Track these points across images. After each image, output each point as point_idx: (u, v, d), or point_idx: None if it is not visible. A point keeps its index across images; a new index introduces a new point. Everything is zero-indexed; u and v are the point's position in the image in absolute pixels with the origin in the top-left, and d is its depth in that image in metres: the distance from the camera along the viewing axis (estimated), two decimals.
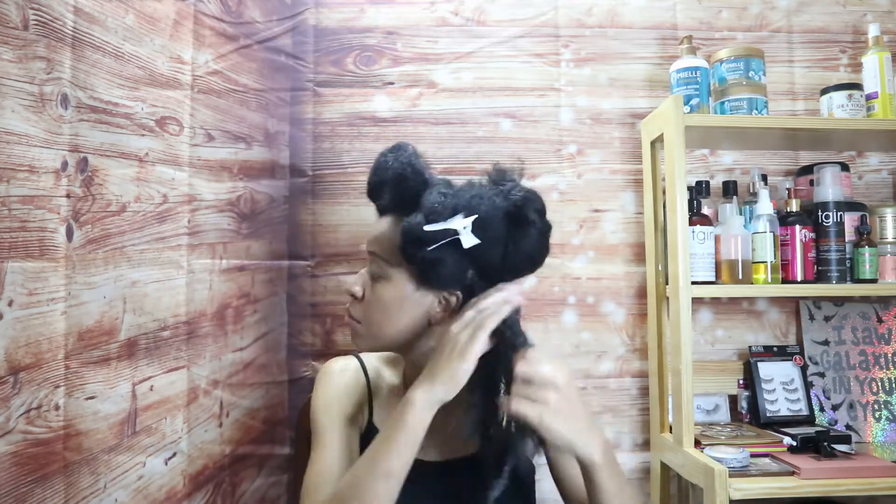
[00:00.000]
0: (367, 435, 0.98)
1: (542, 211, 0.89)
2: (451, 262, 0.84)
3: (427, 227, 0.82)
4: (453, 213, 0.83)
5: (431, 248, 0.82)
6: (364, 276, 0.93)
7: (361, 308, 0.92)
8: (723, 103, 1.39)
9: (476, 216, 0.83)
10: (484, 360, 0.85)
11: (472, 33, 1.55)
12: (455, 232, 0.82)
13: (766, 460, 1.26)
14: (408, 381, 1.00)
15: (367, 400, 1.00)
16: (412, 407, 0.82)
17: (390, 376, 1.02)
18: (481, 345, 0.82)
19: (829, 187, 1.40)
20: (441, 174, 0.96)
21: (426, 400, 0.82)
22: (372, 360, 1.03)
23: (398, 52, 1.53)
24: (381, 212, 0.94)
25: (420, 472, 0.95)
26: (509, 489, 0.93)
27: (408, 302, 0.89)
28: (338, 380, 1.00)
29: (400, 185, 0.89)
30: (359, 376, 1.01)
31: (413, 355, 0.95)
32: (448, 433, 0.96)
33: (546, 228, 0.90)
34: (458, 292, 0.89)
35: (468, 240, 0.83)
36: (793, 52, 1.59)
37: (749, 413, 1.44)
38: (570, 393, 0.82)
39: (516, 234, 0.86)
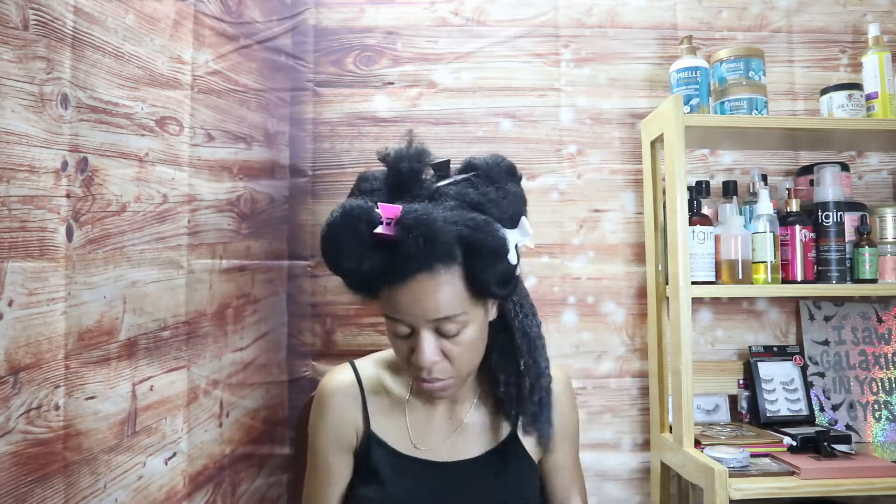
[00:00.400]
0: (366, 441, 0.97)
1: (512, 166, 0.92)
2: (514, 273, 0.87)
3: (512, 261, 0.84)
4: (505, 231, 0.84)
5: (516, 268, 0.85)
6: (432, 342, 0.84)
7: (449, 366, 0.86)
8: (723, 103, 1.39)
9: (524, 217, 0.87)
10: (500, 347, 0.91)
11: (472, 33, 1.55)
12: (516, 246, 0.85)
13: (766, 460, 1.26)
14: (411, 390, 1.00)
15: (363, 410, 0.98)
16: None
17: (393, 384, 1.00)
18: None
19: (829, 187, 1.40)
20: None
21: None
22: (368, 365, 1.01)
23: (398, 52, 1.53)
24: (401, 274, 0.82)
25: (428, 473, 0.95)
26: (514, 489, 0.94)
27: (483, 326, 0.89)
28: (334, 404, 0.98)
29: (443, 246, 0.79)
30: (355, 392, 0.99)
31: None
32: (455, 434, 0.96)
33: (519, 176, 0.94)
34: None
35: (529, 240, 0.87)
36: (793, 52, 1.59)
37: (749, 413, 1.44)
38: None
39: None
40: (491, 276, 0.81)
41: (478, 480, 0.94)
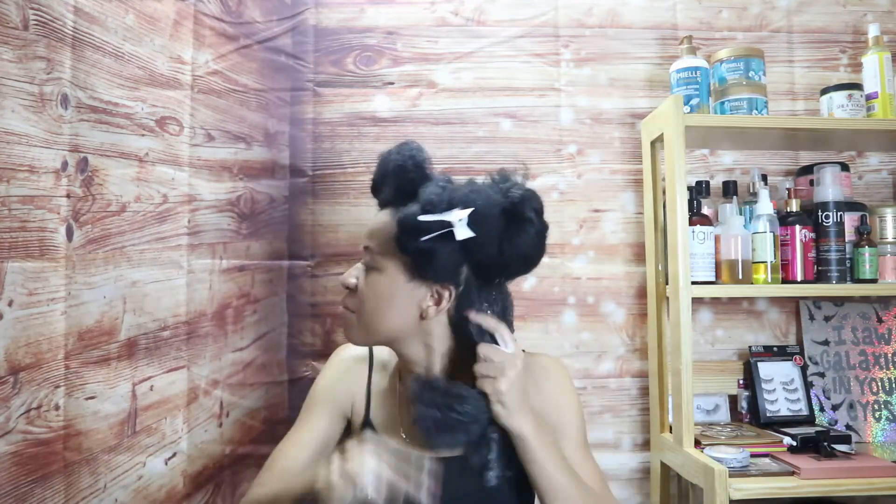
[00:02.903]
0: (363, 428, 0.98)
1: (539, 210, 0.90)
2: (445, 255, 0.85)
3: (422, 217, 0.83)
4: (450, 206, 0.84)
5: (425, 238, 0.83)
6: (359, 268, 0.94)
7: (355, 299, 0.93)
8: (723, 103, 1.39)
9: (472, 209, 0.84)
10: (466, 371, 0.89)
11: (472, 33, 1.55)
12: (449, 224, 0.83)
13: (766, 460, 1.26)
14: (399, 379, 1.00)
15: (366, 395, 1.00)
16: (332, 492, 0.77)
17: (391, 371, 1.02)
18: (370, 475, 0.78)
19: (829, 187, 1.40)
20: (441, 174, 0.96)
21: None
22: (384, 354, 1.03)
23: (398, 52, 1.53)
24: (382, 206, 0.96)
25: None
26: (505, 483, 0.93)
27: (400, 293, 0.89)
28: (342, 366, 1.02)
29: (400, 176, 0.90)
30: (362, 368, 1.02)
31: (404, 351, 0.95)
32: None
33: (543, 228, 0.90)
34: (451, 287, 0.89)
35: (462, 232, 0.84)
36: (793, 52, 1.59)
37: (749, 413, 1.44)
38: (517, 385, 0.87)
39: (512, 231, 0.87)
40: (405, 217, 0.85)
41: (462, 477, 0.94)
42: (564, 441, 0.98)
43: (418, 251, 0.85)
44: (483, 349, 0.87)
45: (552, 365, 1.01)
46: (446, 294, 0.89)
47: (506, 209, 0.86)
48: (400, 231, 0.85)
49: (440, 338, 0.93)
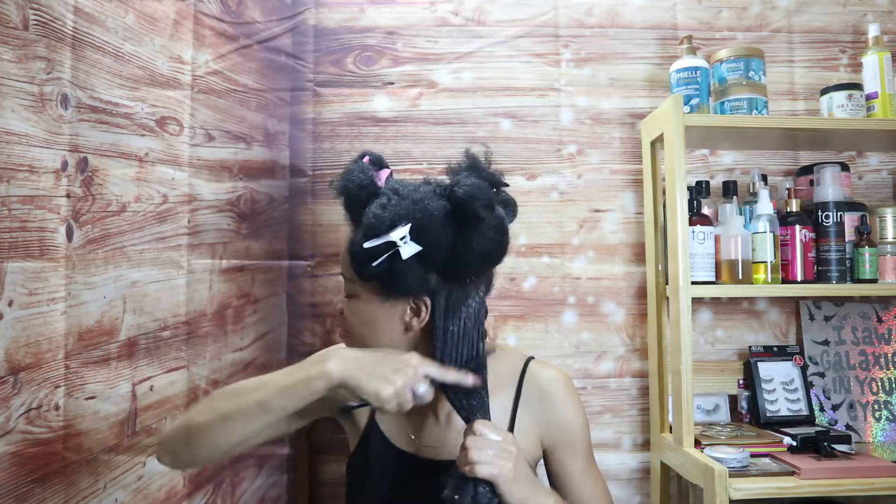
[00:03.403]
0: (368, 430, 0.99)
1: (489, 203, 0.87)
2: (404, 272, 0.85)
3: (367, 245, 0.83)
4: (392, 225, 0.83)
5: (377, 263, 0.84)
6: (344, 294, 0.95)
7: (344, 325, 0.95)
8: (723, 103, 1.39)
9: (409, 224, 0.83)
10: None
11: (472, 33, 1.55)
12: (394, 244, 0.83)
13: (766, 460, 1.26)
14: None
15: None
16: (322, 365, 0.81)
17: None
18: (412, 385, 0.81)
19: (829, 187, 1.40)
20: (441, 174, 0.96)
21: (334, 377, 0.81)
22: None
23: (398, 52, 1.53)
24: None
25: (420, 470, 0.95)
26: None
27: (379, 315, 0.90)
28: None
29: (349, 201, 0.90)
30: None
31: None
32: (449, 433, 0.96)
33: (497, 221, 0.89)
34: (425, 297, 0.89)
35: (408, 249, 0.83)
36: (793, 52, 1.59)
37: (749, 413, 1.44)
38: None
39: (465, 231, 0.86)
40: (352, 245, 0.87)
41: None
42: (573, 457, 0.98)
43: (376, 276, 0.86)
44: (480, 427, 0.85)
45: (560, 379, 1.00)
46: (422, 305, 0.89)
47: (451, 212, 0.85)
48: (353, 261, 0.87)
49: (428, 345, 0.91)
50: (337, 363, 0.81)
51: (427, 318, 0.90)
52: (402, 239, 0.83)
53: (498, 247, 0.90)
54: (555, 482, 0.99)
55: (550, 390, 0.97)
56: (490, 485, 0.83)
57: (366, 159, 0.93)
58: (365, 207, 0.87)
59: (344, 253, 0.92)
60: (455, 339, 0.89)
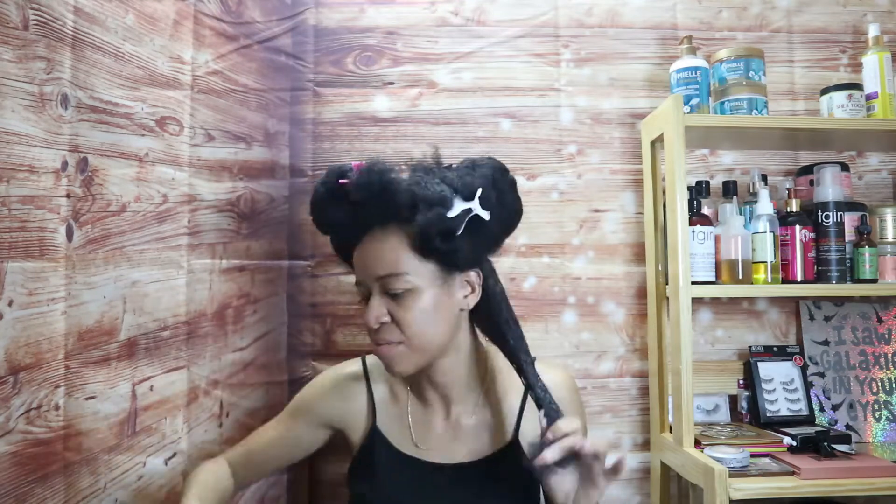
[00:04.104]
0: (369, 436, 0.99)
1: (505, 168, 0.94)
2: (472, 242, 0.86)
3: (450, 214, 0.83)
4: (458, 194, 0.84)
5: (459, 232, 0.84)
6: (379, 301, 0.90)
7: (395, 331, 0.89)
8: (723, 103, 1.39)
9: (481, 189, 0.85)
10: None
11: (472, 33, 1.55)
12: (471, 210, 0.84)
13: (766, 460, 1.26)
14: (408, 390, 1.01)
15: (370, 405, 1.01)
16: None
17: (397, 381, 1.02)
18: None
19: (829, 187, 1.40)
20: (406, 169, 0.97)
21: None
22: (379, 364, 1.01)
23: (398, 52, 1.53)
24: (361, 231, 0.92)
25: (427, 474, 0.95)
26: (512, 495, 0.93)
27: (442, 299, 0.89)
28: (332, 385, 1.04)
29: (394, 196, 0.86)
30: (358, 385, 1.03)
31: (440, 360, 0.94)
32: (455, 436, 0.96)
33: (514, 181, 0.95)
34: (477, 269, 0.92)
35: (484, 213, 0.85)
36: (793, 52, 1.59)
37: (749, 413, 1.44)
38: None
39: (500, 198, 0.89)
40: (431, 225, 0.83)
41: (475, 485, 0.94)
42: None
43: (454, 249, 0.85)
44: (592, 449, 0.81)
45: (566, 383, 1.00)
46: (474, 277, 0.91)
47: (493, 179, 0.89)
48: (436, 237, 0.84)
49: (464, 331, 0.95)
50: None
51: (479, 292, 0.92)
52: (477, 205, 0.85)
53: (520, 204, 0.96)
54: None
55: (556, 395, 0.96)
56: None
57: (339, 180, 0.91)
58: (398, 200, 0.85)
59: (387, 247, 0.88)
60: (505, 298, 0.94)
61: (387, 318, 0.89)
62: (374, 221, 0.90)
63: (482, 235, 0.87)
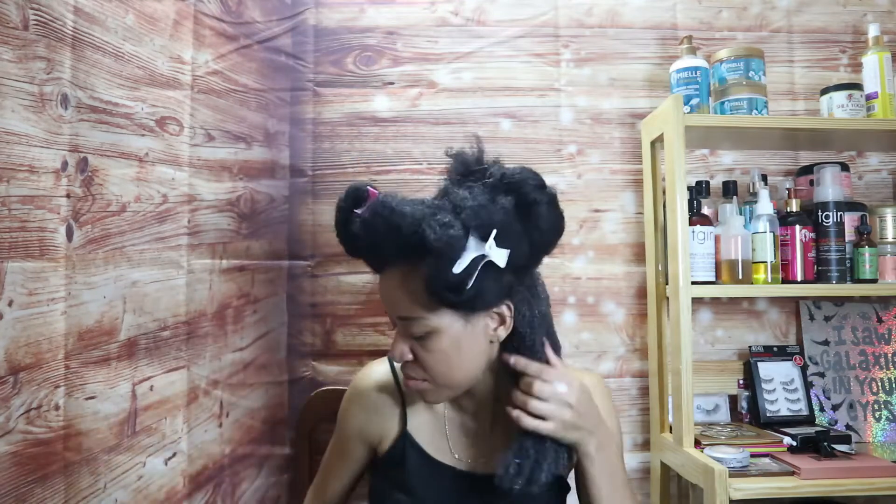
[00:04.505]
0: (400, 440, 0.96)
1: (541, 183, 0.86)
2: (491, 283, 0.81)
3: (457, 270, 0.77)
4: (467, 238, 0.78)
5: (470, 284, 0.78)
6: (403, 338, 0.87)
7: (420, 368, 0.87)
8: (723, 103, 1.39)
9: (495, 230, 0.79)
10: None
11: (472, 33, 1.55)
12: (484, 257, 0.78)
13: (766, 460, 1.26)
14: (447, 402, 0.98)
15: (401, 408, 0.98)
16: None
17: None
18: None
19: (829, 187, 1.40)
20: (440, 175, 0.96)
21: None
22: None
23: (398, 52, 1.53)
24: (379, 267, 0.89)
25: (461, 484, 0.93)
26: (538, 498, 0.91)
27: (466, 340, 0.85)
28: (369, 401, 0.99)
29: (399, 239, 0.80)
30: (391, 390, 0.99)
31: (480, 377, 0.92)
32: (492, 445, 0.94)
33: (553, 196, 0.87)
34: (507, 301, 0.86)
35: (500, 257, 0.79)
36: (793, 52, 1.59)
37: (749, 413, 1.44)
38: (584, 407, 0.85)
39: (532, 219, 0.83)
40: (436, 278, 0.78)
41: (510, 495, 0.91)
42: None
43: (469, 299, 0.80)
44: (538, 388, 0.84)
45: (597, 385, 0.98)
46: (505, 310, 0.86)
47: (517, 205, 0.82)
48: (444, 292, 0.79)
49: (500, 353, 0.90)
50: None
51: (510, 324, 0.87)
52: (490, 249, 0.78)
53: (561, 220, 0.88)
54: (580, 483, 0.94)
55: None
56: (561, 449, 0.83)
57: (353, 209, 0.85)
58: (416, 240, 0.78)
59: (406, 289, 0.83)
60: (536, 323, 0.87)
61: (409, 357, 0.87)
62: (387, 261, 0.86)
63: (505, 271, 0.81)
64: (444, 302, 0.81)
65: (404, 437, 0.96)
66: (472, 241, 0.78)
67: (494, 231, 0.78)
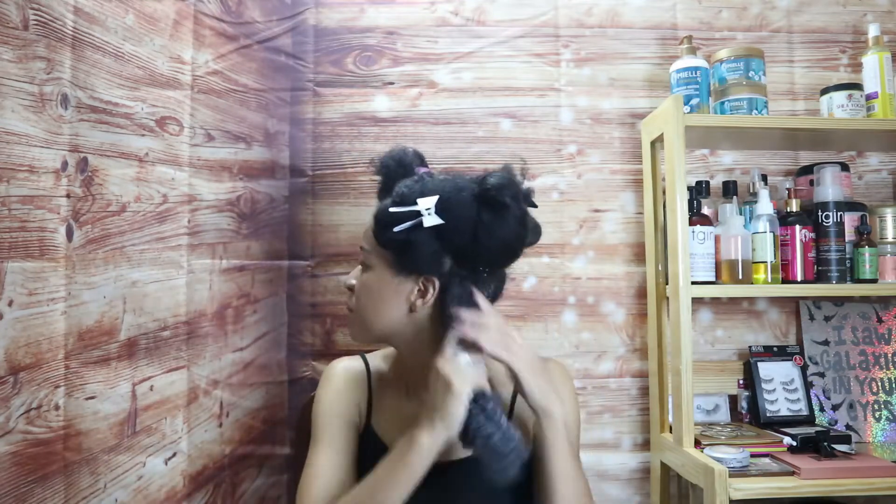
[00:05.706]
0: (364, 436, 0.98)
1: (517, 196, 0.88)
2: (423, 245, 0.86)
3: (392, 209, 0.86)
4: (420, 195, 0.87)
5: (398, 228, 0.86)
6: (358, 268, 0.97)
7: (354, 298, 0.96)
8: (723, 103, 1.39)
9: (438, 196, 0.86)
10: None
11: (472, 33, 1.55)
12: (418, 213, 0.86)
13: (766, 460, 1.26)
14: (399, 374, 1.00)
15: (367, 401, 1.00)
16: (417, 449, 0.83)
17: (394, 379, 1.02)
18: (466, 372, 0.85)
19: (829, 187, 1.40)
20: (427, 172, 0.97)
21: (431, 444, 0.83)
22: (377, 359, 1.04)
23: (398, 52, 1.53)
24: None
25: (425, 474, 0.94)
26: (504, 491, 0.92)
27: (387, 288, 0.91)
28: (340, 381, 1.01)
29: (387, 177, 0.95)
30: (361, 377, 1.02)
31: (401, 348, 0.97)
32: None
33: (521, 213, 0.89)
34: (435, 279, 0.90)
35: (431, 219, 0.85)
36: (793, 52, 1.59)
37: (749, 413, 1.44)
38: (523, 353, 0.90)
39: (488, 217, 0.86)
40: (378, 211, 0.90)
41: (467, 482, 0.93)
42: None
43: (394, 243, 0.88)
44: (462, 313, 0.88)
45: (559, 371, 1.00)
46: (430, 286, 0.90)
47: (478, 195, 0.87)
48: (375, 225, 0.89)
49: (432, 332, 0.92)
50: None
51: (432, 301, 0.91)
52: (427, 210, 0.86)
53: (517, 239, 0.90)
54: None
55: (553, 380, 0.95)
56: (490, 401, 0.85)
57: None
58: (394, 184, 0.91)
59: (369, 221, 0.94)
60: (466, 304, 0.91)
61: (353, 281, 0.96)
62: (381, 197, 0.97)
63: (441, 246, 0.87)
64: (377, 238, 0.89)
65: (367, 432, 0.98)
66: (421, 200, 0.86)
67: (437, 197, 0.86)
